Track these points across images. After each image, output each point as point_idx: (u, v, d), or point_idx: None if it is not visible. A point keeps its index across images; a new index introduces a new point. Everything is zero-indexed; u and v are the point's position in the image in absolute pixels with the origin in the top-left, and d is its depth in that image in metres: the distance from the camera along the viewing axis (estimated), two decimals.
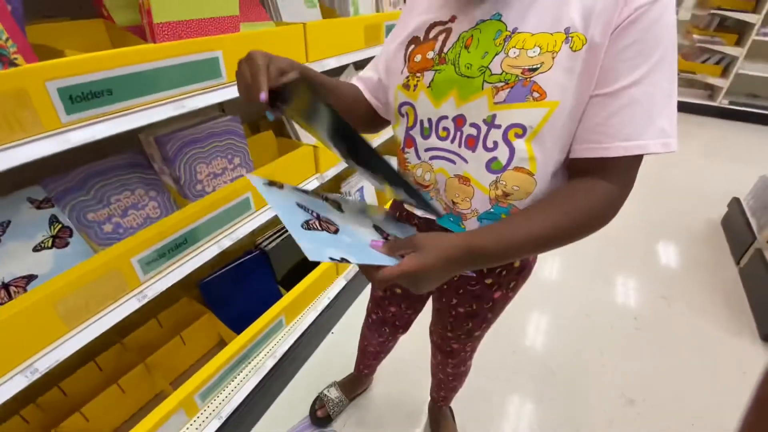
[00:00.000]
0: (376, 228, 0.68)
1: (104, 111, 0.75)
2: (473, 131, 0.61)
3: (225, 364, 1.18)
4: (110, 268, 0.85)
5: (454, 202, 0.69)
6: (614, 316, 1.88)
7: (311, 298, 1.54)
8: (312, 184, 1.39)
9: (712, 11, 4.23)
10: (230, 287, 1.43)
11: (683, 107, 4.79)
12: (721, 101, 4.45)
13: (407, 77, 0.66)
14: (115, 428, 1.24)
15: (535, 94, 0.54)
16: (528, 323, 1.83)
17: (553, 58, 0.53)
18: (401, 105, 0.69)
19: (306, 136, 1.54)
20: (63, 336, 0.80)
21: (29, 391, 0.90)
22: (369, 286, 1.27)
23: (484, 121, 0.59)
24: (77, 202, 0.95)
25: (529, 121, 0.56)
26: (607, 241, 2.42)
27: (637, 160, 0.55)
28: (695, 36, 4.49)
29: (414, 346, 1.61)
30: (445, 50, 0.62)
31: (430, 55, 0.63)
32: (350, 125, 0.51)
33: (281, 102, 0.59)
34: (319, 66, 1.23)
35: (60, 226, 0.90)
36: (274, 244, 1.54)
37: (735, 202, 2.46)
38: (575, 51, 0.52)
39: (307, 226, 0.56)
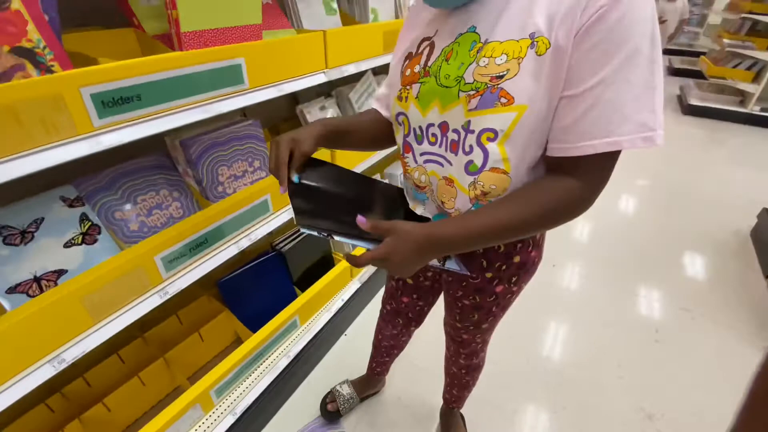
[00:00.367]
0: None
1: (133, 115, 0.79)
2: (455, 136, 0.65)
3: (241, 361, 1.21)
4: (135, 265, 0.89)
5: (442, 202, 0.75)
6: (634, 328, 1.83)
7: (325, 300, 1.56)
8: None
9: (744, 15, 4.09)
10: (247, 286, 1.47)
11: (712, 113, 4.64)
12: (753, 108, 4.29)
13: (400, 89, 0.72)
14: (135, 420, 1.29)
15: (503, 100, 0.57)
16: (543, 331, 1.80)
17: (519, 63, 0.55)
18: (397, 115, 0.75)
19: None
20: (89, 329, 0.84)
21: (55, 381, 0.94)
22: (384, 287, 1.29)
23: (462, 127, 0.63)
24: (106, 201, 0.99)
25: (499, 125, 0.59)
26: (629, 250, 2.37)
27: (609, 157, 0.57)
28: (726, 40, 4.35)
29: (426, 352, 1.61)
30: (429, 63, 0.67)
31: (417, 68, 0.69)
32: (354, 173, 0.62)
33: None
34: (339, 72, 1.25)
35: (90, 223, 0.94)
36: (290, 245, 1.57)
37: (765, 213, 2.36)
38: (540, 55, 0.54)
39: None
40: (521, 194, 0.62)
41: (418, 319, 1.17)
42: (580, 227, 2.59)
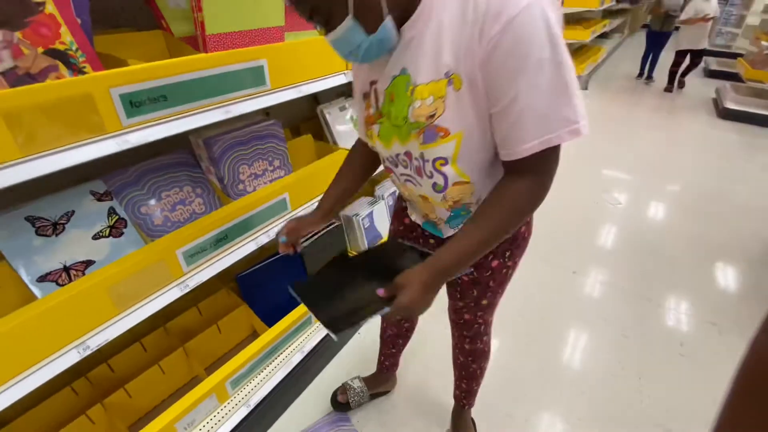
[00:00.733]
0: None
1: (159, 115, 0.82)
2: (418, 163, 0.74)
3: (256, 354, 1.24)
4: (158, 258, 0.92)
5: (426, 213, 0.87)
6: (657, 339, 1.77)
7: None
8: None
9: None
10: (265, 282, 1.50)
11: (748, 118, 4.43)
12: None
13: (366, 129, 0.81)
14: (154, 407, 1.34)
15: (441, 134, 0.66)
16: (561, 339, 1.77)
17: (444, 102, 0.63)
18: (372, 146, 0.85)
19: (342, 140, 1.58)
20: (113, 318, 0.88)
21: (81, 366, 0.99)
22: None
23: (420, 156, 0.72)
24: (133, 196, 1.04)
25: (445, 153, 0.69)
26: (655, 258, 2.29)
27: (549, 152, 0.62)
28: (764, 42, 4.14)
29: (439, 355, 1.61)
30: (380, 105, 0.75)
31: (372, 110, 0.77)
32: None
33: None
34: None
35: (117, 217, 0.99)
36: (307, 243, 1.59)
37: None
38: (458, 90, 0.62)
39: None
40: (490, 206, 0.68)
41: None
42: (604, 234, 2.53)
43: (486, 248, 0.68)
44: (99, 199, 0.98)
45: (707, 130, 4.36)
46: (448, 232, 0.88)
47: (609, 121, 4.60)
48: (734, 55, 7.04)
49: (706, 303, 1.98)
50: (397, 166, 0.80)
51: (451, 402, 1.37)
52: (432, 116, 0.65)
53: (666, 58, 5.88)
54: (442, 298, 1.08)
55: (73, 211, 0.93)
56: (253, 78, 0.96)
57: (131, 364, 1.27)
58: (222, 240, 1.07)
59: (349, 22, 0.60)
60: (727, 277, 2.17)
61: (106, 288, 0.84)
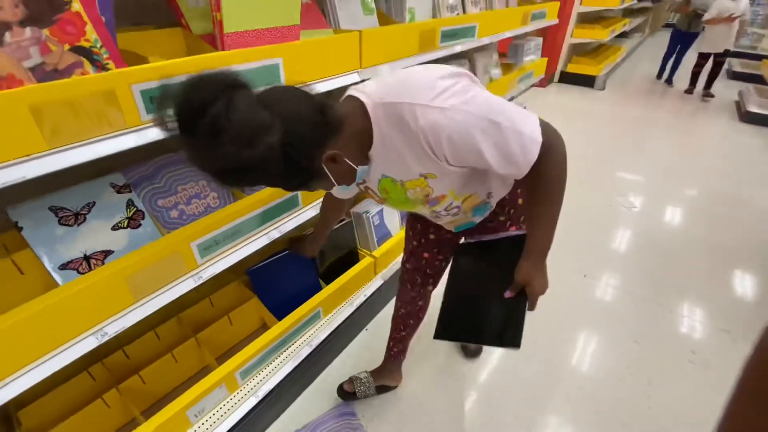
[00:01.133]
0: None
1: None
2: (433, 213, 0.97)
3: (266, 346, 1.27)
4: (173, 250, 0.95)
5: (452, 223, 1.05)
6: (668, 346, 1.75)
7: (349, 294, 1.59)
8: None
9: None
10: (275, 276, 1.52)
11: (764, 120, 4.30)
12: None
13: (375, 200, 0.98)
14: (166, 394, 1.37)
15: (438, 198, 0.88)
16: (570, 342, 1.76)
17: (428, 186, 0.83)
18: None
19: None
20: (130, 306, 0.91)
21: (98, 352, 1.03)
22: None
23: (431, 212, 0.96)
24: (150, 189, 1.07)
25: (450, 203, 0.91)
26: (669, 263, 2.26)
27: (533, 147, 0.73)
28: None
29: (446, 353, 1.62)
30: (379, 196, 0.92)
31: (375, 197, 0.95)
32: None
33: None
34: (372, 72, 1.27)
35: (135, 209, 1.02)
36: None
37: None
38: (434, 179, 0.81)
39: None
40: (537, 192, 0.80)
41: (435, 277, 1.27)
42: (618, 237, 2.49)
43: (558, 215, 0.82)
44: (118, 192, 1.01)
45: (728, 134, 4.25)
46: (479, 219, 1.03)
47: (626, 123, 4.52)
48: (759, 57, 6.82)
49: (720, 310, 1.94)
50: (414, 213, 1.05)
51: (456, 401, 1.38)
52: (426, 196, 0.86)
53: (687, 60, 5.73)
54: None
55: (94, 203, 0.96)
56: (269, 76, 0.98)
57: (145, 352, 1.31)
58: (235, 234, 1.10)
59: (336, 188, 0.80)
60: (743, 284, 2.12)
61: (125, 277, 0.87)
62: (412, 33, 1.40)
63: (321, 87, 1.13)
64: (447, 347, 1.67)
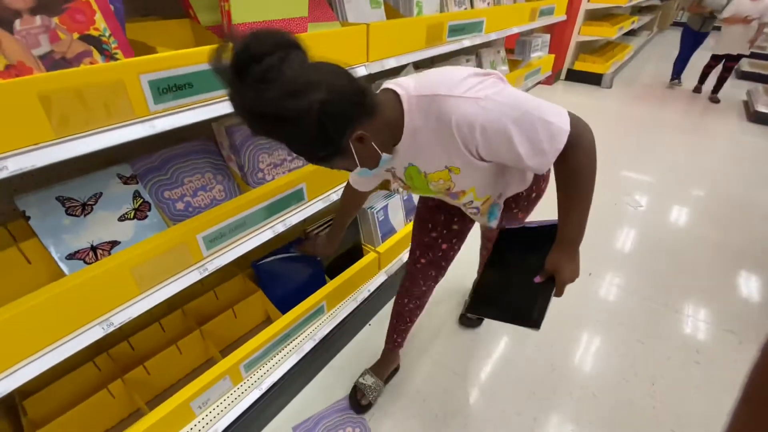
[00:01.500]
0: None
1: (185, 102, 0.84)
2: (452, 199, 1.01)
3: (270, 340, 1.27)
4: (179, 241, 0.95)
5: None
6: (673, 347, 1.74)
7: (353, 289, 1.59)
8: None
9: None
10: (280, 270, 1.53)
11: None
12: None
13: (399, 186, 1.04)
14: (171, 385, 1.38)
15: (458, 193, 0.95)
16: (574, 341, 1.75)
17: (451, 179, 0.88)
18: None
19: None
20: (135, 297, 0.91)
21: (103, 342, 1.03)
22: None
23: (451, 199, 1.01)
24: (157, 181, 1.07)
25: (470, 200, 0.97)
26: (675, 263, 2.24)
27: (561, 136, 0.74)
28: None
29: (449, 352, 1.62)
30: (404, 180, 0.97)
31: (400, 183, 1.01)
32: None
33: None
34: (379, 65, 1.26)
35: (141, 200, 1.02)
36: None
37: None
38: (458, 174, 0.86)
39: None
40: (567, 184, 0.83)
41: (446, 269, 1.30)
42: (623, 236, 2.48)
43: (589, 205, 0.84)
44: (125, 183, 1.01)
45: (736, 134, 4.21)
46: (494, 224, 1.07)
47: (633, 122, 4.48)
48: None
49: (726, 311, 1.93)
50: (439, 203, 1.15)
51: (459, 399, 1.37)
52: (448, 189, 0.92)
53: (696, 59, 5.66)
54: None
55: (101, 193, 0.97)
56: None
57: (150, 344, 1.32)
58: (240, 227, 1.09)
59: (356, 171, 0.82)
60: (749, 285, 2.11)
61: (130, 268, 0.87)
62: (419, 27, 1.39)
63: None
64: (448, 341, 1.67)
